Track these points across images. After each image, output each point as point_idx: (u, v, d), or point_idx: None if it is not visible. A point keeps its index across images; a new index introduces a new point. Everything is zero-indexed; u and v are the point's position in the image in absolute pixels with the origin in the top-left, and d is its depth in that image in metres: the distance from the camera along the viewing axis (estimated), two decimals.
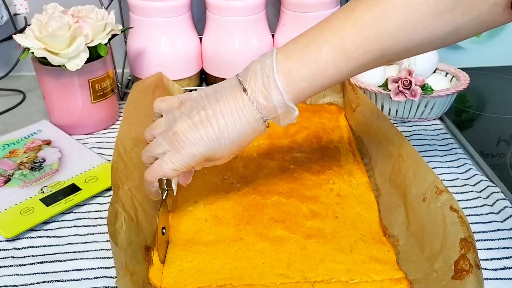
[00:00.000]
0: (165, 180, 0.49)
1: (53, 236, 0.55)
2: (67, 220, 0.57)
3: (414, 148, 0.56)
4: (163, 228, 0.50)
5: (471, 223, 0.55)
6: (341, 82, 0.78)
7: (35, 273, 0.50)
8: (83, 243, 0.54)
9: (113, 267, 0.51)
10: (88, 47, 0.68)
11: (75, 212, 0.59)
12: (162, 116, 0.50)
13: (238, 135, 0.48)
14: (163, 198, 0.50)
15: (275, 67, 0.46)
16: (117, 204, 0.49)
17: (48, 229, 0.56)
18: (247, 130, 0.48)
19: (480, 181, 0.62)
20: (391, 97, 0.73)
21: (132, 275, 0.45)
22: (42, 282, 0.49)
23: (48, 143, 0.70)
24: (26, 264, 0.51)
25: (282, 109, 0.47)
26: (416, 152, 0.55)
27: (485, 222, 0.56)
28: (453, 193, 0.60)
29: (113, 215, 0.47)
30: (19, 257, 0.52)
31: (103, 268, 0.51)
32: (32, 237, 0.55)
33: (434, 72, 0.80)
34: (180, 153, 0.48)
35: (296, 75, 0.46)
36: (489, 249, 0.52)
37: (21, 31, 0.84)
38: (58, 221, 0.57)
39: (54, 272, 0.50)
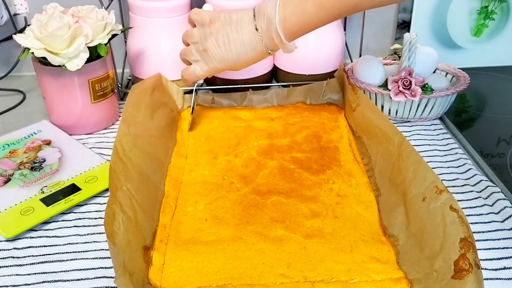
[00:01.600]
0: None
1: (53, 236, 0.55)
2: (67, 220, 0.57)
3: (414, 148, 0.56)
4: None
5: (471, 223, 0.55)
6: (341, 80, 0.78)
7: (35, 273, 0.50)
8: (83, 243, 0.54)
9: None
10: (88, 47, 0.68)
11: (75, 212, 0.59)
12: (195, 26, 0.65)
13: (250, 59, 0.64)
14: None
15: (277, 18, 0.59)
16: (114, 205, 0.49)
17: (48, 229, 0.56)
18: (257, 56, 0.63)
19: (480, 181, 0.62)
20: (391, 97, 0.73)
21: (131, 276, 0.45)
22: (42, 282, 0.49)
23: (48, 143, 0.70)
24: (26, 264, 0.51)
25: (281, 46, 0.61)
26: (416, 152, 0.55)
27: (485, 222, 0.56)
28: (453, 193, 0.60)
29: (111, 216, 0.47)
30: (19, 257, 0.52)
31: (103, 268, 0.51)
32: (32, 237, 0.55)
33: (434, 72, 0.80)
34: (208, 65, 0.65)
35: (290, 23, 0.59)
36: (489, 249, 0.52)
37: (21, 31, 0.84)
38: (58, 221, 0.57)
39: (54, 272, 0.50)
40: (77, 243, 0.54)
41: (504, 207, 0.57)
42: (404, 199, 0.55)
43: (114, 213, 0.48)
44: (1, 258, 0.52)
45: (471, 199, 0.60)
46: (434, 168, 0.65)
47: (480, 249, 0.51)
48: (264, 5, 0.60)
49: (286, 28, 0.59)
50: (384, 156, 0.61)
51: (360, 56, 0.89)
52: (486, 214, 0.57)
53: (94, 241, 0.54)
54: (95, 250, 0.53)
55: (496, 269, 0.50)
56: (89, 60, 0.68)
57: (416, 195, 0.52)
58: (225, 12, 0.63)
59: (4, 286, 0.49)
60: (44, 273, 0.50)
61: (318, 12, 0.57)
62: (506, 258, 0.51)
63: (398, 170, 0.57)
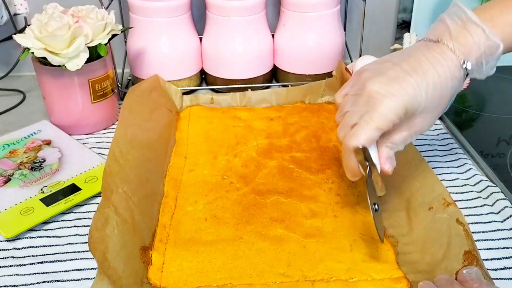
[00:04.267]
0: (363, 153, 0.46)
1: (53, 236, 0.55)
2: (67, 220, 0.57)
3: (423, 157, 0.56)
4: (375, 204, 0.47)
5: (471, 223, 0.55)
6: (340, 79, 0.78)
7: (35, 273, 0.50)
8: (83, 243, 0.54)
9: None
10: (88, 47, 0.68)
11: (75, 212, 0.59)
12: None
13: (438, 80, 0.46)
14: (367, 174, 0.47)
15: (466, 9, 0.46)
16: (107, 209, 0.48)
17: (48, 229, 0.56)
18: (447, 75, 0.46)
19: (480, 181, 0.62)
20: None
21: (129, 277, 0.45)
22: (42, 282, 0.49)
23: (48, 143, 0.70)
24: (26, 264, 0.51)
25: (484, 44, 0.46)
26: (425, 162, 0.56)
27: (485, 222, 0.56)
28: (453, 193, 0.60)
29: (101, 221, 0.47)
30: (19, 257, 0.52)
31: None
32: (32, 237, 0.55)
33: None
34: (379, 106, 0.45)
35: (500, 20, 0.46)
36: (489, 249, 0.52)
37: (21, 31, 0.84)
38: (58, 221, 0.57)
39: (54, 272, 0.50)
40: (77, 243, 0.54)
41: (504, 207, 0.57)
42: (407, 206, 0.55)
43: (107, 217, 0.48)
44: (1, 258, 0.52)
45: (471, 199, 0.60)
46: (434, 168, 0.65)
47: (480, 249, 0.51)
48: (435, 24, 0.49)
49: (495, 27, 0.47)
50: None
51: (360, 56, 0.89)
52: (486, 214, 0.57)
53: None
54: None
55: (496, 269, 0.50)
56: (89, 60, 0.68)
57: (422, 204, 0.53)
58: (376, 60, 0.51)
59: (4, 286, 0.49)
60: (44, 273, 0.50)
61: None
62: (506, 258, 0.51)
63: (403, 176, 0.57)
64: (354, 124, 0.47)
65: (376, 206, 0.48)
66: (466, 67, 0.47)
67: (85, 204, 0.60)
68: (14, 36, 0.67)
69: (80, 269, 0.51)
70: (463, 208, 0.58)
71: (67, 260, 0.52)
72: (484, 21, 0.46)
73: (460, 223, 0.48)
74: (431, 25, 0.51)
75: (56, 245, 0.54)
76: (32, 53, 0.66)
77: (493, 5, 0.48)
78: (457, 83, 0.48)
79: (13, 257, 0.52)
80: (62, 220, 0.57)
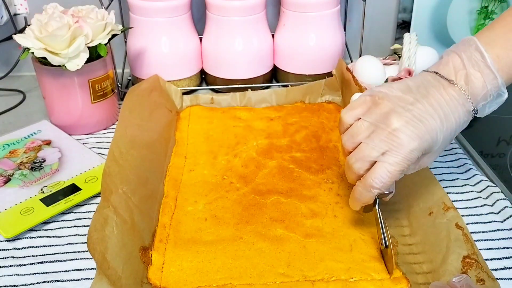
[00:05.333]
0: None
1: (53, 236, 0.55)
2: (67, 220, 0.57)
3: None
4: (383, 239, 0.49)
5: (471, 223, 0.56)
6: (340, 79, 0.78)
7: (35, 273, 0.50)
8: (83, 243, 0.54)
9: None
10: (88, 47, 0.68)
11: (75, 212, 0.59)
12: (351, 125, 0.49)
13: (454, 127, 0.48)
14: (376, 205, 0.50)
15: (486, 55, 0.47)
16: (107, 209, 0.48)
17: (48, 229, 0.56)
18: (460, 121, 0.48)
19: (480, 181, 0.62)
20: None
21: (128, 277, 0.45)
22: (42, 282, 0.49)
23: (48, 143, 0.70)
24: (26, 264, 0.51)
25: (494, 94, 0.49)
26: (427, 168, 0.56)
27: (485, 222, 0.56)
28: (453, 193, 0.60)
29: (101, 221, 0.47)
30: (19, 257, 0.52)
31: None
32: (32, 237, 0.55)
33: None
34: (404, 150, 0.45)
35: (506, 60, 0.48)
36: (489, 249, 0.52)
37: (21, 31, 0.84)
38: (58, 221, 0.57)
39: (54, 272, 0.50)
40: (77, 243, 0.54)
41: (504, 207, 0.57)
42: (408, 210, 0.55)
43: (107, 218, 0.48)
44: (1, 258, 0.52)
45: (471, 199, 0.60)
46: (434, 168, 0.65)
47: (480, 249, 0.51)
48: (452, 55, 0.49)
49: (501, 69, 0.48)
50: None
51: (360, 56, 0.89)
52: (486, 214, 0.57)
53: None
54: None
55: (496, 269, 0.50)
56: (89, 60, 0.68)
57: (422, 209, 0.53)
58: (388, 86, 0.49)
59: (4, 286, 0.49)
60: (44, 273, 0.50)
61: None
62: (506, 258, 0.51)
63: (404, 181, 0.57)
64: (374, 161, 0.47)
65: (384, 241, 0.49)
66: (475, 113, 0.49)
67: (85, 204, 0.60)
68: (14, 36, 0.67)
69: (80, 269, 0.51)
70: (463, 208, 0.58)
71: (67, 260, 0.52)
72: (494, 61, 0.48)
73: (460, 228, 0.48)
74: (444, 55, 0.51)
75: (56, 245, 0.54)
76: (32, 53, 0.66)
77: (496, 37, 0.49)
78: (464, 124, 0.50)
79: (13, 257, 0.52)
80: (62, 220, 0.57)
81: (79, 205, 0.59)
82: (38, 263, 0.51)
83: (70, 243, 0.54)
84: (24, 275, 0.50)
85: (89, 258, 0.52)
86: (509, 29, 0.49)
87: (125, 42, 0.87)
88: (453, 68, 0.49)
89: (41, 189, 0.60)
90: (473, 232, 0.54)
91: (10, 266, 0.51)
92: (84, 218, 0.58)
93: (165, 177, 0.62)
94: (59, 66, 0.67)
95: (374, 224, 0.55)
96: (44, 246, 0.54)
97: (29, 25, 0.68)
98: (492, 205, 0.58)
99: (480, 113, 0.50)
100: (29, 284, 0.49)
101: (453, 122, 0.48)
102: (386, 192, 0.48)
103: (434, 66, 0.51)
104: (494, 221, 0.56)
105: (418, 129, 0.46)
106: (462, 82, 0.48)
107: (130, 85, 0.88)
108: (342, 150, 0.51)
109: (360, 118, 0.48)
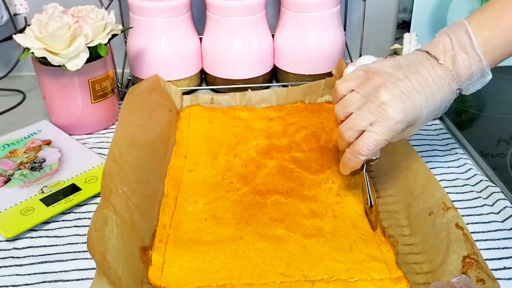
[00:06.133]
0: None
1: (53, 236, 0.55)
2: (67, 220, 0.57)
3: (424, 163, 0.57)
4: (368, 198, 0.54)
5: (471, 223, 0.56)
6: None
7: (35, 273, 0.50)
8: (83, 243, 0.54)
9: None
10: (88, 47, 0.68)
11: (75, 212, 0.59)
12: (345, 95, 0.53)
13: (438, 104, 0.51)
14: (364, 169, 0.55)
15: (474, 38, 0.50)
16: (107, 209, 0.48)
17: (48, 229, 0.56)
18: (444, 98, 0.52)
19: (480, 181, 0.62)
20: None
21: (128, 278, 0.45)
22: (42, 282, 0.49)
23: (48, 143, 0.70)
24: (26, 264, 0.51)
25: (479, 75, 0.52)
26: (426, 167, 0.56)
27: (485, 222, 0.56)
28: (453, 193, 0.60)
29: (100, 221, 0.47)
30: (19, 257, 0.52)
31: None
32: (32, 237, 0.55)
33: None
34: (391, 121, 0.49)
35: (492, 43, 0.50)
36: (489, 249, 0.52)
37: (21, 31, 0.84)
38: (58, 221, 0.57)
39: (54, 272, 0.50)
40: (77, 243, 0.54)
41: (504, 207, 0.57)
42: (408, 210, 0.55)
43: (107, 218, 0.48)
44: (1, 258, 0.52)
45: (471, 199, 0.60)
46: (434, 168, 0.65)
47: (480, 249, 0.51)
48: (442, 36, 0.52)
49: (487, 52, 0.51)
50: (387, 162, 0.61)
51: (360, 56, 0.89)
52: (486, 214, 0.57)
53: None
54: None
55: (496, 269, 0.50)
56: (89, 60, 0.68)
57: (423, 209, 0.53)
58: (381, 63, 0.53)
59: (4, 286, 0.49)
60: (44, 273, 0.50)
61: None
62: (506, 258, 0.51)
63: (405, 181, 0.57)
64: (362, 130, 0.51)
65: (369, 200, 0.54)
66: (459, 92, 0.53)
67: (85, 204, 0.60)
68: (14, 36, 0.67)
69: (80, 269, 0.51)
70: (463, 208, 0.58)
71: (67, 260, 0.52)
72: (479, 44, 0.50)
73: (460, 228, 0.48)
74: (436, 35, 0.54)
75: (56, 245, 0.54)
76: (32, 53, 0.66)
77: (486, 20, 0.51)
78: (449, 102, 0.53)
79: (13, 257, 0.52)
80: (62, 220, 0.57)
81: (79, 205, 0.59)
82: (38, 263, 0.51)
83: (70, 243, 0.54)
84: (24, 275, 0.50)
85: (89, 258, 0.52)
86: (499, 12, 0.51)
87: (125, 42, 0.87)
88: (442, 48, 0.52)
89: (41, 189, 0.60)
90: (473, 232, 0.54)
91: (10, 266, 0.51)
92: (84, 218, 0.58)
93: (165, 177, 0.62)
94: (59, 66, 0.67)
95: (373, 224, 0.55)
96: (44, 246, 0.54)
97: (29, 25, 0.68)
98: (492, 205, 0.58)
99: (464, 91, 0.53)
100: (29, 284, 0.49)
101: (437, 99, 0.51)
102: (373, 158, 0.53)
103: (426, 45, 0.54)
104: (494, 221, 0.56)
105: (405, 104, 0.50)
106: (449, 63, 0.51)
107: (130, 85, 0.88)
108: (334, 119, 0.56)
109: (353, 90, 0.52)
